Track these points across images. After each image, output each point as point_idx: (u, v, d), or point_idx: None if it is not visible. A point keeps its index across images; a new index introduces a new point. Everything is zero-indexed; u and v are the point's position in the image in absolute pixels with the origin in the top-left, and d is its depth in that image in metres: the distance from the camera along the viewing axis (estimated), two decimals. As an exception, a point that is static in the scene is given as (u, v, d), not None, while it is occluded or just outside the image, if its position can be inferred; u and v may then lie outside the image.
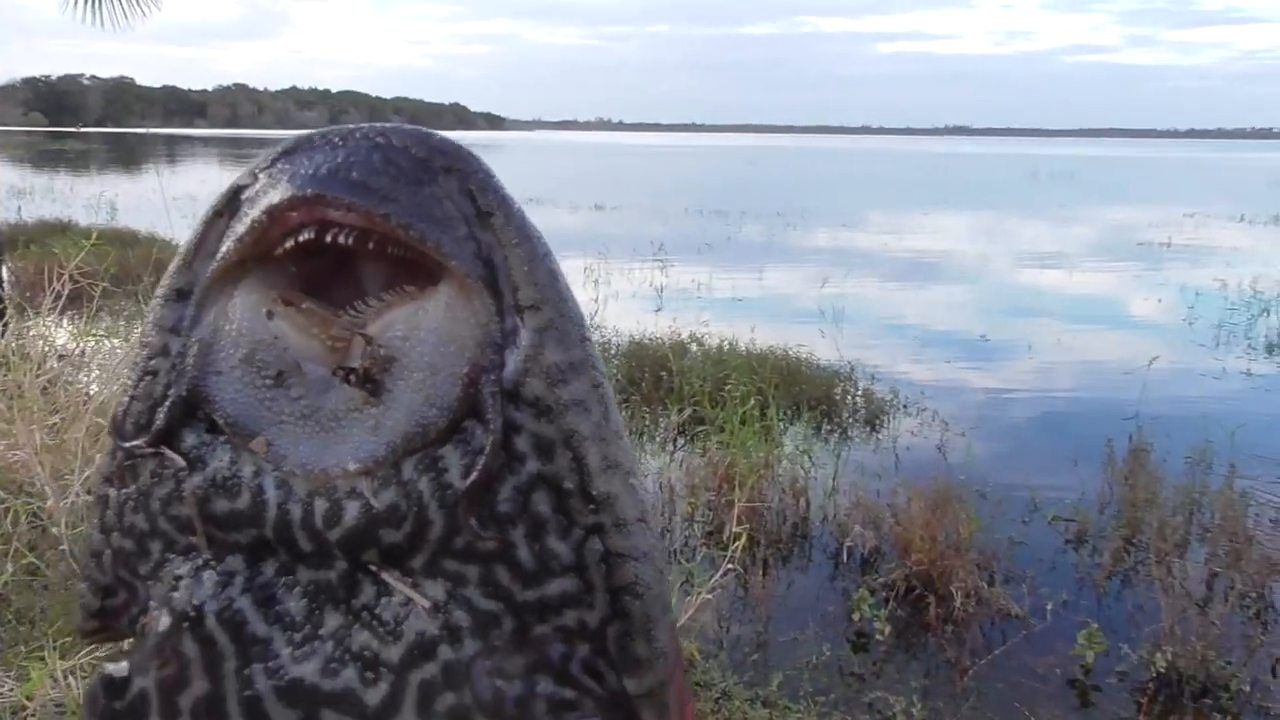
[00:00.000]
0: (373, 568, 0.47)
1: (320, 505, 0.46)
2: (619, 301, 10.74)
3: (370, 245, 0.46)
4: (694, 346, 7.51)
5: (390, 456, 0.46)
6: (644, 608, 0.48)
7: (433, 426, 0.46)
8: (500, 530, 0.46)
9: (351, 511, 0.46)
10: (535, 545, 0.46)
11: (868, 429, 6.72)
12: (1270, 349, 9.36)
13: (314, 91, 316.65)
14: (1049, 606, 4.13)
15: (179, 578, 0.49)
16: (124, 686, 0.49)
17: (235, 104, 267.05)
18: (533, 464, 0.46)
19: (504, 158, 55.50)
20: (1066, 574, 4.57)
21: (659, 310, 10.27)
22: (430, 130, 0.49)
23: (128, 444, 0.50)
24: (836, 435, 6.54)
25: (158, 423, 0.49)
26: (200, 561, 0.49)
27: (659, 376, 6.97)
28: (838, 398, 7.00)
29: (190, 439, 0.49)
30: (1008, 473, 5.72)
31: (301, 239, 0.47)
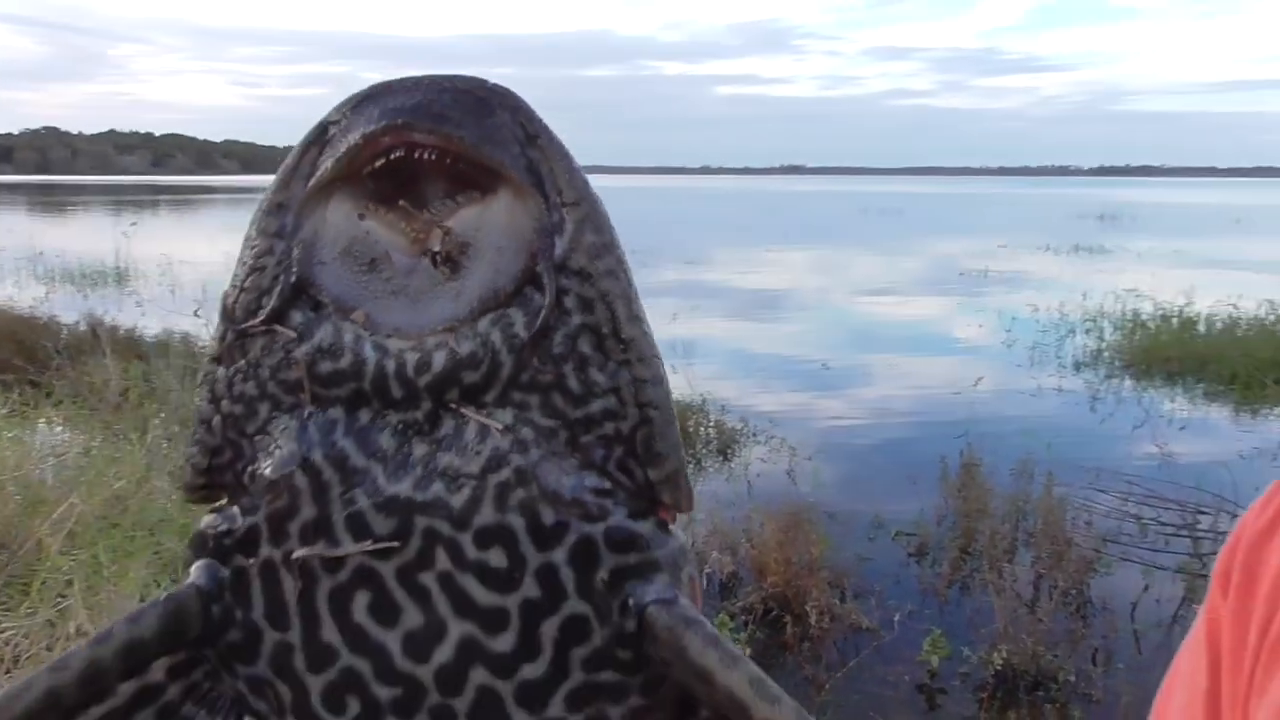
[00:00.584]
0: (453, 405, 0.59)
1: (411, 357, 0.58)
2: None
3: (446, 162, 0.59)
4: (549, 386, 7.50)
5: (469, 316, 0.59)
6: (661, 416, 0.62)
7: (502, 291, 0.59)
8: (555, 366, 0.59)
9: (439, 360, 0.58)
10: (582, 376, 0.60)
11: (721, 459, 6.91)
12: (1078, 367, 10.22)
13: (135, 135, 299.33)
14: (896, 617, 4.35)
15: (286, 430, 0.60)
16: (232, 528, 0.60)
17: (45, 148, 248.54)
18: (578, 317, 0.60)
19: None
20: (911, 585, 4.83)
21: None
22: (485, 78, 0.62)
23: (241, 325, 0.61)
24: (691, 466, 6.66)
25: (270, 304, 0.60)
26: (306, 414, 0.60)
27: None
28: (691, 430, 7.15)
29: (297, 317, 0.60)
30: (853, 493, 6.01)
31: (392, 158, 0.59)
